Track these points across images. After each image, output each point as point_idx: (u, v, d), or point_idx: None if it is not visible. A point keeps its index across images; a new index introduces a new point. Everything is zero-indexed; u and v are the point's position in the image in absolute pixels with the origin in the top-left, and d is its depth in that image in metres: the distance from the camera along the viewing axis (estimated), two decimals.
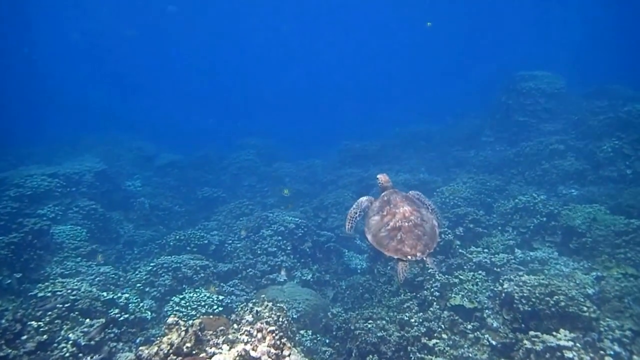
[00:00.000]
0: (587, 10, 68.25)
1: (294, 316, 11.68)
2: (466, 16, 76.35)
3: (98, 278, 13.10)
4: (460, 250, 12.98)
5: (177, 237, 16.21)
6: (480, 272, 11.94)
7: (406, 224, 6.78)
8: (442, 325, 10.04)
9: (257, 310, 8.40)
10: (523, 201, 15.21)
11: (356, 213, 7.85)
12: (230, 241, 16.84)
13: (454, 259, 12.52)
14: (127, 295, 11.68)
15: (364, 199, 7.98)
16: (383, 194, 7.71)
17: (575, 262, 12.68)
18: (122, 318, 10.40)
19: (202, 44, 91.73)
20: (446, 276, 11.63)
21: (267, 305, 8.56)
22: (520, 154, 21.10)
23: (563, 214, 14.40)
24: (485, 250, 13.21)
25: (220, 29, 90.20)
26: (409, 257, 6.57)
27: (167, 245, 16.09)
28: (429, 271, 11.85)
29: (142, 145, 33.87)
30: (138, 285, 13.08)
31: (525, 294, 9.38)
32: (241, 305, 9.62)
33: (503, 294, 9.99)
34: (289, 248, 15.85)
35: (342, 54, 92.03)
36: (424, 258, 6.67)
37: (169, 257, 14.37)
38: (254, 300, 10.08)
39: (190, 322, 6.91)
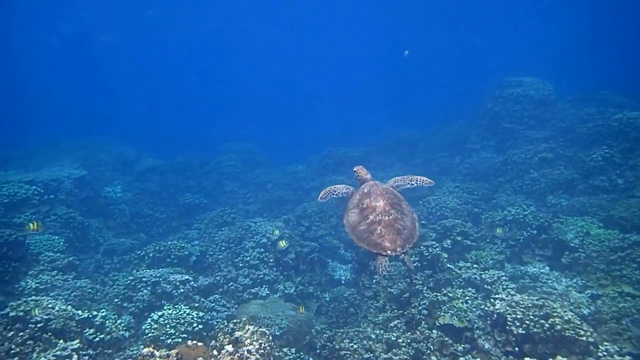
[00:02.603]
0: (573, 16, 68.55)
1: (277, 333, 11.29)
2: (453, 21, 76.48)
3: (74, 293, 12.71)
4: (448, 265, 12.64)
5: (157, 247, 15.77)
6: (469, 289, 11.58)
7: (386, 217, 6.60)
8: (431, 347, 9.63)
9: (237, 337, 7.99)
10: (512, 213, 14.89)
11: (333, 192, 7.72)
12: (212, 252, 16.42)
13: (442, 274, 12.15)
14: (103, 313, 11.24)
15: (344, 185, 7.81)
16: (362, 186, 7.49)
17: (568, 278, 12.32)
18: (97, 339, 9.98)
19: (184, 48, 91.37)
20: (434, 293, 11.29)
21: (249, 330, 8.16)
22: (507, 161, 20.79)
23: (554, 227, 14.06)
24: (475, 265, 12.85)
25: (201, 33, 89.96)
26: (389, 252, 6.35)
27: (146, 256, 15.66)
28: (417, 287, 11.53)
29: (123, 150, 33.44)
30: (116, 300, 12.63)
31: (518, 316, 9.03)
32: (221, 327, 9.24)
33: (495, 315, 9.64)
34: (271, 260, 15.48)
35: (327, 59, 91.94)
36: (403, 254, 6.46)
37: (148, 270, 13.94)
38: (235, 321, 9.70)
39: (166, 352, 6.48)
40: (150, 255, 15.57)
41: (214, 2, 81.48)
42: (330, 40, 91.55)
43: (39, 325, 9.39)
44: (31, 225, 12.52)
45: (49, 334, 9.39)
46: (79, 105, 63.46)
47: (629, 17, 63.33)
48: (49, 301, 10.37)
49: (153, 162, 30.96)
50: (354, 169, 7.87)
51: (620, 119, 18.66)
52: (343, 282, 15.51)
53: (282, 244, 15.02)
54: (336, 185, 7.77)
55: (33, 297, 10.54)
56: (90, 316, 10.65)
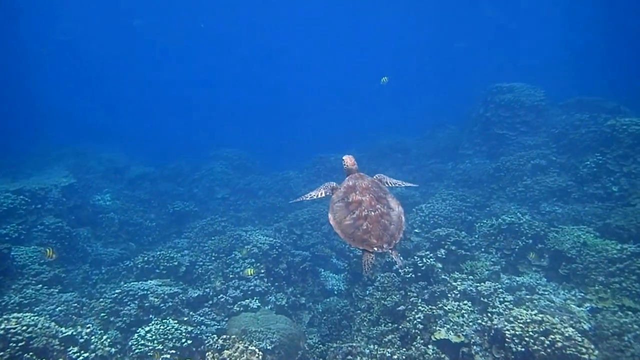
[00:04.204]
0: (559, 21, 68.79)
1: (268, 347, 10.99)
2: (441, 27, 76.48)
3: (59, 308, 12.34)
4: (443, 276, 12.38)
5: (146, 258, 15.48)
6: (465, 301, 11.33)
7: (373, 213, 6.38)
8: None
9: (226, 357, 7.71)
10: (507, 221, 14.61)
11: (308, 196, 7.45)
12: (201, 262, 16.08)
13: (437, 286, 11.90)
14: (88, 329, 10.95)
15: (322, 186, 7.48)
16: (348, 178, 7.23)
17: (566, 290, 12.03)
18: (81, 357, 9.68)
19: (173, 56, 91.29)
20: (429, 306, 11.04)
21: (238, 348, 7.88)
22: (500, 168, 20.62)
23: (550, 237, 13.76)
24: (470, 276, 12.60)
25: (190, 40, 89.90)
26: (375, 248, 6.17)
27: (135, 267, 15.39)
28: (411, 299, 11.28)
29: (114, 157, 33.11)
30: (102, 314, 12.30)
31: (517, 332, 8.77)
32: (211, 343, 8.96)
33: (492, 330, 9.38)
34: (262, 271, 15.19)
35: (317, 65, 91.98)
36: (390, 251, 6.22)
37: (136, 282, 13.63)
38: (224, 337, 9.43)
39: None
40: (139, 266, 15.30)
41: (202, 10, 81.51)
42: (321, 47, 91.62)
43: (20, 345, 9.08)
44: (48, 251, 12.41)
45: (31, 353, 9.08)
46: (71, 112, 63.30)
47: (615, 22, 63.68)
48: (32, 318, 10.06)
49: (143, 169, 30.74)
50: (342, 158, 7.58)
51: (613, 125, 18.49)
52: (335, 292, 15.37)
53: (250, 271, 14.66)
54: (312, 192, 7.47)
55: (14, 315, 10.20)
56: (74, 333, 10.36)
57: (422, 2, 71.90)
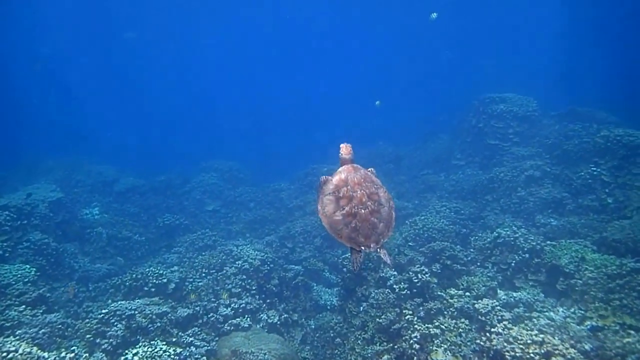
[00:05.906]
0: (549, 30, 69.05)
1: None
2: (431, 34, 76.56)
3: (42, 330, 11.94)
4: (438, 292, 12.12)
5: (134, 276, 15.10)
6: (463, 319, 11.06)
7: (362, 210, 6.24)
8: None
9: None
10: (502, 235, 14.37)
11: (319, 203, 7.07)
12: (191, 279, 15.73)
13: (433, 303, 11.63)
14: (72, 354, 10.58)
15: (321, 180, 7.11)
16: (340, 170, 6.89)
17: (565, 307, 11.74)
18: None
19: (164, 66, 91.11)
20: (426, 325, 10.76)
21: None
22: (494, 179, 20.41)
23: (547, 251, 13.52)
24: (467, 293, 12.30)
25: (181, 50, 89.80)
26: (363, 247, 6.10)
27: (122, 285, 14.99)
28: (407, 317, 10.99)
29: (103, 169, 32.65)
30: (87, 336, 11.93)
31: (517, 354, 8.49)
32: None
33: (492, 351, 9.10)
34: (254, 288, 14.87)
35: (305, 73, 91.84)
36: (378, 250, 6.20)
37: (123, 302, 13.27)
38: None
39: None
40: (127, 284, 14.91)
41: (191, 20, 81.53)
42: (313, 54, 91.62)
43: None
44: (70, 289, 12.27)
45: None
46: (60, 125, 62.97)
47: (602, 31, 64.10)
48: (13, 343, 9.70)
49: (133, 181, 30.29)
50: (340, 145, 7.27)
51: (606, 136, 18.39)
52: (329, 307, 15.13)
53: (224, 295, 14.32)
54: (322, 196, 7.20)
55: None
56: (57, 358, 9.98)
57: (411, 9, 72.01)
